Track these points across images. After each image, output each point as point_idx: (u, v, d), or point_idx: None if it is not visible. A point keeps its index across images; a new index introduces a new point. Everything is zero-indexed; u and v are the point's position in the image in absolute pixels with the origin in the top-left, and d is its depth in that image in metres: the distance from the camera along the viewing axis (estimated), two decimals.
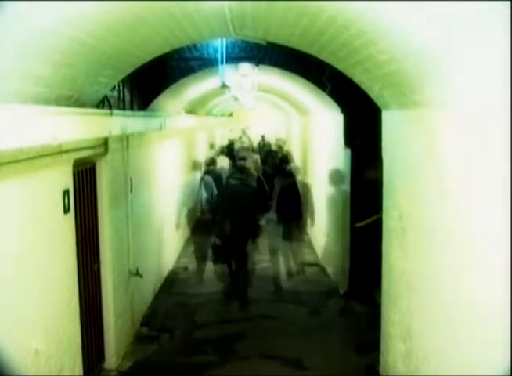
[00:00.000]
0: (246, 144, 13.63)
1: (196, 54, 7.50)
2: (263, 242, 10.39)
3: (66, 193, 4.32)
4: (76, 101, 4.07)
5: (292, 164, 12.75)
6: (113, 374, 5.67)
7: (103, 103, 5.21)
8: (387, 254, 4.86)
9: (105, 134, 4.90)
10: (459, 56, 2.64)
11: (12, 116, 2.91)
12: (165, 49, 5.08)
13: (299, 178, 12.27)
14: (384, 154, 4.98)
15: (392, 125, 4.62)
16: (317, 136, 10.47)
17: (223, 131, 22.28)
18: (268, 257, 9.98)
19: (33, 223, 3.76)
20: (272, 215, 10.71)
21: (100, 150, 5.25)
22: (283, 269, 9.35)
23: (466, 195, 2.92)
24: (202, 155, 14.12)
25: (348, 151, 7.55)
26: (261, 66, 7.69)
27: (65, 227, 4.35)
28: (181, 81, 7.73)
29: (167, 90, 7.66)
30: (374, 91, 4.56)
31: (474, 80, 2.61)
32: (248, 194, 8.10)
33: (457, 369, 3.06)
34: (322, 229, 9.82)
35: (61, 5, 2.72)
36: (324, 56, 4.89)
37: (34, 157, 3.61)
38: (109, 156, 5.46)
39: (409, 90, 3.62)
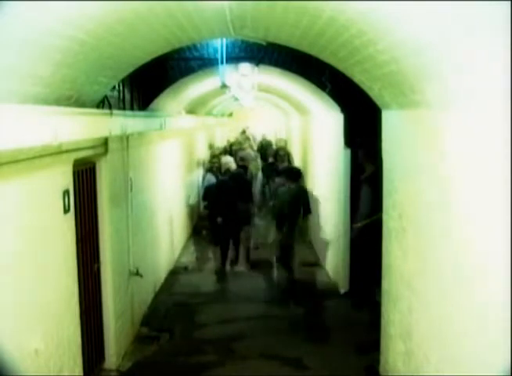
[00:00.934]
0: (246, 152, 13.49)
1: (196, 54, 7.49)
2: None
3: (66, 193, 4.32)
4: (76, 101, 4.07)
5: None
6: (113, 374, 5.67)
7: (103, 103, 5.21)
8: (387, 254, 4.86)
9: (105, 134, 4.90)
10: (459, 56, 2.64)
11: (12, 116, 2.91)
12: (165, 49, 5.08)
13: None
14: (384, 154, 4.98)
15: (392, 125, 4.62)
16: (317, 136, 10.47)
17: (223, 131, 22.28)
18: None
19: (33, 223, 3.76)
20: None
21: (100, 150, 5.25)
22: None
23: (466, 195, 2.92)
24: (202, 155, 14.12)
25: (348, 151, 7.54)
26: (261, 66, 7.69)
27: (65, 227, 4.35)
28: (181, 81, 7.73)
29: (168, 90, 7.66)
30: (374, 91, 4.56)
31: (474, 80, 2.61)
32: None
33: (457, 369, 3.06)
34: (322, 229, 9.81)
35: (61, 5, 2.72)
36: (324, 56, 4.89)
37: (34, 157, 3.61)
38: (109, 156, 5.46)
39: (409, 90, 3.62)
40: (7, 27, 2.52)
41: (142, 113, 7.05)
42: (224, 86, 8.89)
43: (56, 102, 3.66)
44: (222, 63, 7.39)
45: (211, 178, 10.67)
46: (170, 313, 7.37)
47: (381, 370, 5.17)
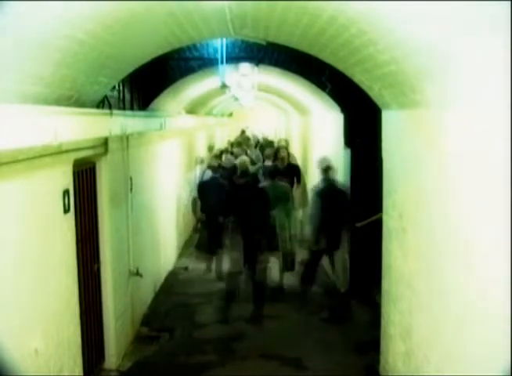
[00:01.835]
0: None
1: (196, 54, 7.49)
2: None
3: (66, 193, 4.32)
4: (76, 101, 4.06)
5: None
6: (113, 374, 5.66)
7: (103, 103, 5.21)
8: (387, 254, 4.86)
9: (105, 134, 4.90)
10: (459, 56, 2.64)
11: (12, 116, 2.91)
12: (165, 49, 5.08)
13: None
14: (384, 154, 4.98)
15: (392, 125, 4.62)
16: (317, 136, 10.47)
17: (223, 130, 22.28)
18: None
19: (33, 223, 3.76)
20: None
21: (100, 150, 5.24)
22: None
23: (466, 195, 2.92)
24: (202, 155, 14.10)
25: (348, 151, 7.54)
26: (261, 66, 7.69)
27: (65, 227, 4.35)
28: (181, 81, 7.73)
29: (167, 90, 7.66)
30: (374, 91, 4.56)
31: (474, 80, 2.61)
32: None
33: (457, 369, 3.06)
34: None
35: (60, 5, 2.72)
36: (324, 56, 4.89)
37: (34, 157, 3.61)
38: (109, 156, 5.45)
39: (409, 90, 3.62)
40: (7, 27, 2.52)
41: (142, 113, 7.05)
42: (224, 86, 8.90)
43: (56, 102, 3.66)
44: (222, 63, 7.39)
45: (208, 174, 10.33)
46: (170, 313, 7.37)
47: (381, 370, 5.17)
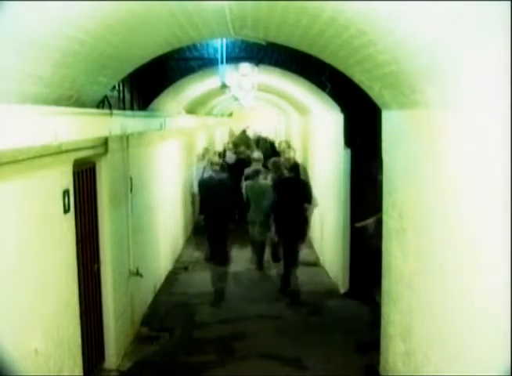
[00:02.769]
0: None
1: (196, 54, 7.49)
2: None
3: (66, 193, 4.32)
4: (76, 101, 4.06)
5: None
6: (113, 374, 5.66)
7: (103, 103, 5.21)
8: (388, 254, 4.86)
9: (105, 134, 4.90)
10: (459, 56, 2.64)
11: (12, 116, 2.91)
12: (165, 49, 5.08)
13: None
14: (384, 154, 4.98)
15: (392, 125, 4.62)
16: (317, 136, 10.47)
17: (223, 131, 22.27)
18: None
19: (33, 223, 3.76)
20: None
21: (100, 150, 5.24)
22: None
23: (466, 195, 2.92)
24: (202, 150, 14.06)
25: (348, 151, 7.54)
26: (261, 66, 7.69)
27: (65, 227, 4.35)
28: (181, 81, 7.73)
29: (168, 90, 7.66)
30: (374, 91, 4.56)
31: (473, 80, 2.61)
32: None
33: (457, 369, 3.06)
34: (322, 229, 9.81)
35: (60, 5, 2.71)
36: (324, 56, 4.89)
37: (34, 157, 3.61)
38: (109, 156, 5.45)
39: (409, 90, 3.62)
40: (7, 27, 2.52)
41: (142, 113, 7.05)
42: (224, 86, 8.89)
43: (56, 102, 3.66)
44: (222, 63, 7.39)
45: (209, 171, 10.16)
46: (170, 313, 7.38)
47: (381, 370, 5.17)
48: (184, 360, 6.02)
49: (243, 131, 22.41)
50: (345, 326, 6.84)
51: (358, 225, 7.29)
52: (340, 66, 4.85)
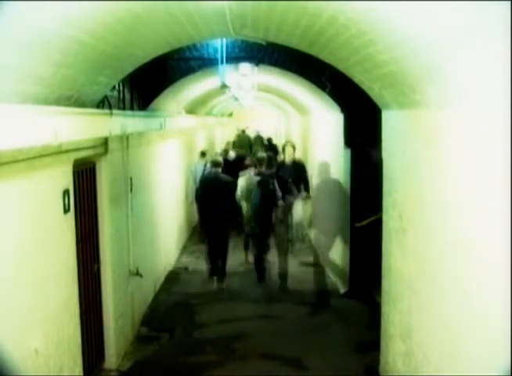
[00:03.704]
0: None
1: (196, 54, 7.49)
2: None
3: (66, 193, 4.32)
4: (76, 101, 4.06)
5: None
6: (113, 374, 5.66)
7: (103, 103, 5.21)
8: (388, 254, 4.86)
9: (105, 134, 4.90)
10: (459, 56, 2.64)
11: (12, 116, 2.91)
12: (165, 49, 5.08)
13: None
14: (384, 154, 4.98)
15: (392, 125, 4.62)
16: (317, 136, 10.47)
17: (223, 130, 22.28)
18: None
19: (33, 223, 3.76)
20: None
21: (100, 149, 5.24)
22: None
23: (466, 195, 2.92)
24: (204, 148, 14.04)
25: (348, 151, 7.54)
26: (261, 66, 7.69)
27: (65, 227, 4.35)
28: (181, 81, 7.73)
29: (167, 90, 7.66)
30: (374, 91, 4.56)
31: (473, 80, 2.61)
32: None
33: (457, 369, 3.06)
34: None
35: (60, 5, 2.72)
36: (324, 56, 4.89)
37: (34, 157, 3.61)
38: (109, 156, 5.45)
39: (409, 90, 3.62)
40: (7, 27, 2.52)
41: (142, 113, 7.05)
42: (224, 86, 8.89)
43: (56, 102, 3.66)
44: (222, 63, 7.39)
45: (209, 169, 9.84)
46: (170, 313, 7.37)
47: (381, 370, 5.17)
48: (184, 360, 6.02)
49: (243, 131, 22.44)
50: (345, 326, 6.84)
51: (358, 225, 7.29)
52: (340, 66, 4.86)
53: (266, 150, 13.68)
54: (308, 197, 9.06)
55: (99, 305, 5.49)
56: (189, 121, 10.72)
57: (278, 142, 20.06)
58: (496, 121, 2.43)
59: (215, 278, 8.65)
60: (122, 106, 6.33)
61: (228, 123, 23.11)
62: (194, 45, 7.34)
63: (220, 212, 8.45)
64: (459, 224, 3.03)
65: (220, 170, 8.75)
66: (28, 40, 2.81)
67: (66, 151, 4.17)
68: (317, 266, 8.50)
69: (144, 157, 7.30)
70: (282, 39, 5.06)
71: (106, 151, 5.37)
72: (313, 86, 7.77)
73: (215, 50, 7.39)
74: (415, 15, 2.69)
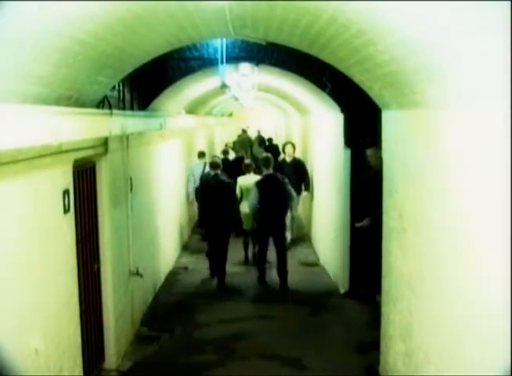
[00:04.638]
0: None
1: (196, 54, 7.49)
2: None
3: (66, 193, 4.32)
4: (76, 101, 4.07)
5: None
6: (113, 374, 5.66)
7: (103, 103, 5.21)
8: (388, 254, 4.86)
9: (105, 134, 4.90)
10: (458, 56, 2.64)
11: (12, 116, 2.91)
12: (165, 49, 5.08)
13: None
14: (384, 154, 4.98)
15: (392, 125, 4.62)
16: (317, 136, 10.47)
17: (223, 130, 22.28)
18: None
19: (33, 223, 3.76)
20: None
21: (100, 149, 5.24)
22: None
23: (466, 195, 2.92)
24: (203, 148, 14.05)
25: (348, 151, 7.55)
26: (261, 66, 7.69)
27: (65, 227, 4.35)
28: (181, 81, 7.73)
29: (167, 90, 7.66)
30: (374, 91, 4.57)
31: (473, 80, 2.61)
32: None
33: (457, 369, 3.06)
34: (322, 228, 9.81)
35: (61, 5, 2.72)
36: (324, 56, 4.89)
37: (34, 157, 3.61)
38: (109, 156, 5.46)
39: (409, 90, 3.62)
40: (7, 27, 2.52)
41: (142, 113, 7.06)
42: (224, 86, 8.89)
43: (56, 102, 3.66)
44: (222, 63, 7.39)
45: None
46: (170, 313, 7.38)
47: (381, 370, 5.17)
48: (184, 360, 6.01)
49: (244, 131, 22.45)
50: (345, 326, 6.84)
51: (358, 225, 7.29)
52: (340, 66, 4.86)
53: (266, 150, 13.76)
54: (309, 192, 9.05)
55: (99, 305, 5.49)
56: (189, 120, 10.72)
57: (278, 142, 20.08)
58: (496, 121, 2.43)
59: (215, 278, 8.66)
60: (122, 106, 6.33)
61: (228, 123, 23.11)
62: (194, 45, 7.34)
63: (220, 213, 8.44)
64: (459, 224, 3.03)
65: (219, 171, 8.72)
66: (28, 40, 2.81)
67: (66, 151, 4.17)
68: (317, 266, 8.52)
69: (144, 156, 7.30)
70: (282, 39, 5.06)
71: (106, 151, 5.37)
72: (313, 86, 7.77)
73: (215, 50, 7.39)
74: (415, 15, 2.69)
